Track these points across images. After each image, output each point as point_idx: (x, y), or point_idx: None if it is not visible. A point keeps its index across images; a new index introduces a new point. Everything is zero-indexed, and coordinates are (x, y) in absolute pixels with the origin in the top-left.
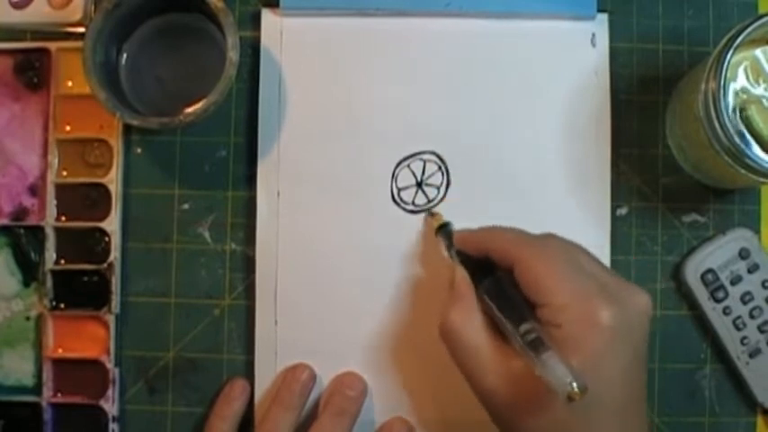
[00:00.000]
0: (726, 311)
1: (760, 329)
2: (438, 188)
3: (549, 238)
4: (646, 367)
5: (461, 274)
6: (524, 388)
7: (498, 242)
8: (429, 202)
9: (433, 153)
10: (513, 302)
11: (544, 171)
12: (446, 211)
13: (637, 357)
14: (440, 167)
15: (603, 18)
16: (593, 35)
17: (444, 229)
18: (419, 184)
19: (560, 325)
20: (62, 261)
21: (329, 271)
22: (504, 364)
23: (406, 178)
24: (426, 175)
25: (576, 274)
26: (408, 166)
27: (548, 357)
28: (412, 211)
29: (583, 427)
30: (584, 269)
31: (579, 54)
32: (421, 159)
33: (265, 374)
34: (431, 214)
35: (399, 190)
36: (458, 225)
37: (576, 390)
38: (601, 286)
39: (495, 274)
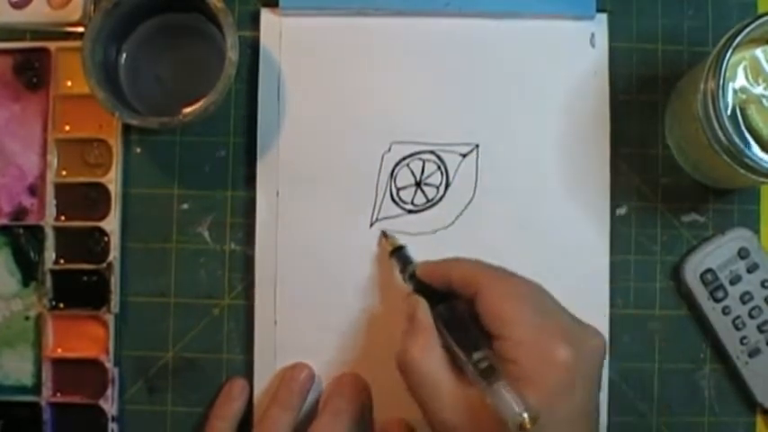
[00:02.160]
0: (725, 311)
1: (759, 329)
2: (437, 188)
3: (513, 273)
4: (598, 408)
5: (422, 306)
6: (480, 419)
7: (462, 270)
8: (428, 201)
9: (433, 153)
10: (467, 330)
11: (543, 171)
12: (445, 211)
13: (590, 398)
14: (439, 167)
15: (603, 18)
16: (593, 35)
17: (398, 253)
18: (418, 184)
19: (516, 360)
20: (61, 261)
21: (329, 271)
22: (461, 397)
23: (405, 178)
24: (425, 174)
25: (536, 311)
26: (407, 165)
27: (499, 386)
28: (411, 211)
29: None
30: (545, 307)
31: (578, 54)
32: (420, 159)
33: (264, 374)
34: (384, 236)
35: (398, 189)
36: (457, 225)
37: (526, 419)
38: (559, 326)
39: (449, 302)
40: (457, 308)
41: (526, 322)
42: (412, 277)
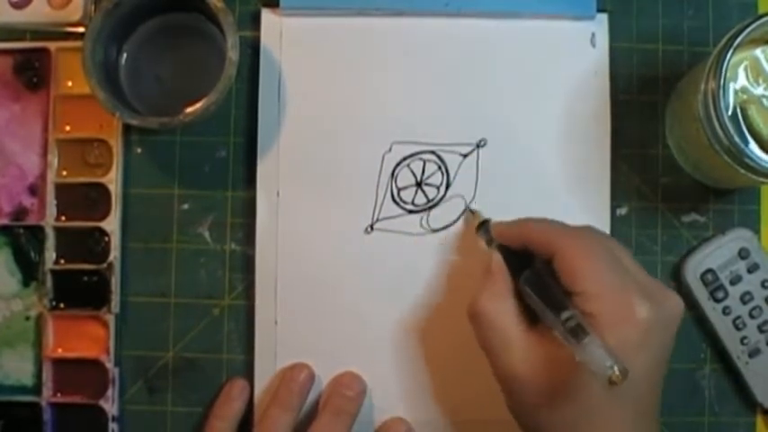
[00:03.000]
0: (725, 311)
1: (760, 329)
2: (438, 188)
3: (589, 229)
4: (666, 368)
5: (497, 260)
6: (555, 375)
7: (538, 232)
8: (428, 201)
9: (433, 153)
10: (553, 292)
11: (543, 171)
12: (445, 211)
13: (663, 356)
14: (439, 167)
15: (603, 18)
16: (593, 35)
17: (484, 226)
18: (419, 184)
19: (595, 314)
20: (62, 261)
21: (329, 271)
22: (534, 350)
23: (405, 178)
24: (426, 174)
25: (613, 267)
26: (408, 165)
27: (589, 342)
28: (411, 211)
29: (606, 417)
30: (624, 264)
31: (579, 54)
32: (421, 159)
33: (265, 374)
34: (471, 211)
35: (399, 190)
36: (458, 225)
37: (617, 373)
38: (638, 283)
39: (533, 266)
40: (541, 272)
41: (604, 277)
42: (499, 247)
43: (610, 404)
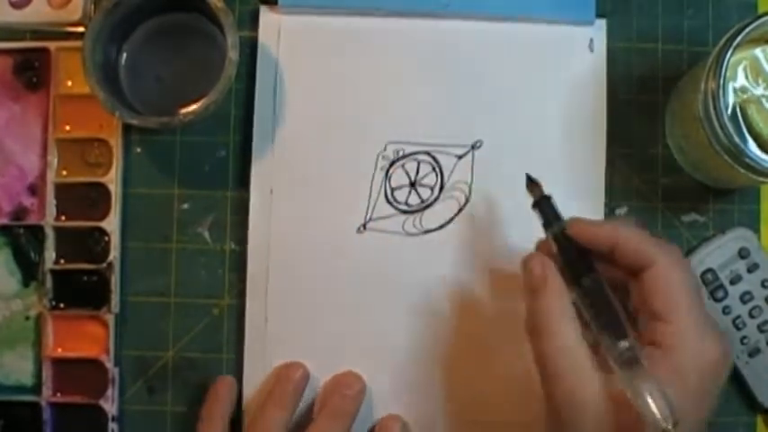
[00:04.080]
0: (725, 311)
1: (759, 329)
2: (432, 189)
3: (679, 250)
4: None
5: (552, 267)
6: (624, 410)
7: (633, 238)
8: (422, 202)
9: (428, 154)
10: (613, 310)
11: (538, 174)
12: (438, 213)
13: (714, 404)
14: (434, 168)
15: (602, 24)
16: (591, 40)
17: (545, 202)
18: (413, 185)
19: (675, 348)
20: (62, 261)
21: (321, 269)
22: (603, 377)
23: (399, 178)
24: (420, 175)
25: (699, 302)
26: (402, 166)
27: (649, 387)
28: (404, 211)
29: None
30: (701, 297)
31: (577, 59)
32: (415, 160)
33: (254, 371)
34: (532, 181)
35: (393, 190)
36: (451, 227)
37: (670, 428)
38: (712, 323)
39: (593, 274)
40: (603, 283)
41: (693, 311)
42: (558, 236)
43: None
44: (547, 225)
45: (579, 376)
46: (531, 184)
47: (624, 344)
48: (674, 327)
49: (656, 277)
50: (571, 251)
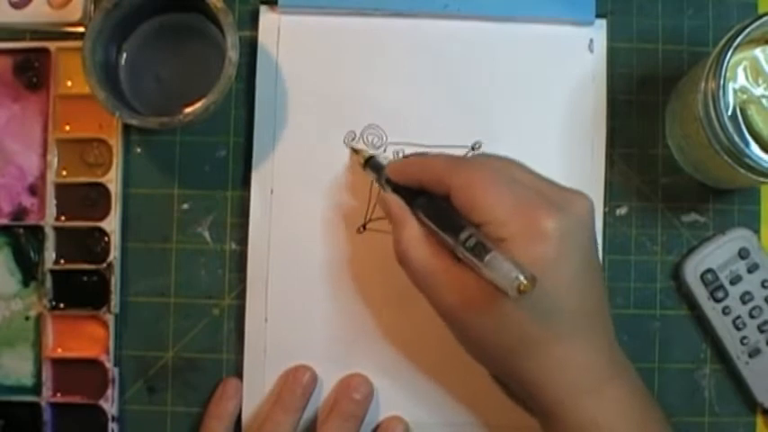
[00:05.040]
0: (725, 311)
1: (760, 329)
2: None
3: (479, 157)
4: (601, 274)
5: (395, 202)
6: (479, 298)
7: (430, 172)
8: None
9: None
10: (449, 216)
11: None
12: None
13: (587, 262)
14: None
15: (602, 24)
16: (591, 41)
17: (371, 162)
18: None
19: (505, 239)
20: (62, 261)
21: (320, 270)
22: (457, 281)
23: None
24: None
25: (513, 188)
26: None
27: (491, 258)
28: None
29: (546, 334)
30: (522, 180)
31: (576, 59)
32: None
33: (254, 371)
34: (354, 150)
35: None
36: None
37: (523, 281)
38: (540, 195)
39: (423, 196)
40: (435, 198)
41: (505, 202)
42: (388, 182)
43: (547, 320)
44: (378, 178)
45: (438, 287)
46: (353, 151)
47: (464, 234)
48: (492, 225)
49: (457, 197)
50: (401, 188)
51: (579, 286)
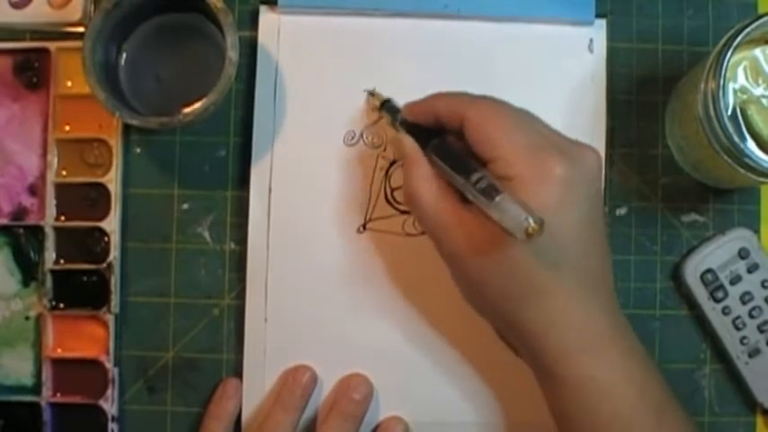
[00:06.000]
0: (725, 311)
1: (759, 329)
2: None
3: (496, 98)
4: (605, 237)
5: (408, 142)
6: (485, 242)
7: (446, 103)
8: None
9: None
10: (462, 158)
11: None
12: None
13: (593, 211)
14: None
15: (602, 24)
16: (591, 41)
17: (387, 104)
18: None
19: (511, 177)
20: (61, 261)
21: (320, 269)
22: (465, 223)
23: (399, 178)
24: None
25: (526, 130)
26: (402, 166)
27: (501, 200)
28: (404, 212)
29: (550, 284)
30: (535, 126)
31: (576, 59)
32: None
33: (254, 371)
34: (371, 94)
35: (393, 190)
36: None
37: (532, 224)
38: (552, 142)
39: (440, 136)
40: (448, 140)
41: (517, 141)
42: (403, 123)
43: (553, 262)
44: (393, 120)
45: (446, 230)
46: (369, 94)
47: (475, 176)
48: (501, 161)
49: (469, 129)
50: (415, 127)
51: (584, 238)
